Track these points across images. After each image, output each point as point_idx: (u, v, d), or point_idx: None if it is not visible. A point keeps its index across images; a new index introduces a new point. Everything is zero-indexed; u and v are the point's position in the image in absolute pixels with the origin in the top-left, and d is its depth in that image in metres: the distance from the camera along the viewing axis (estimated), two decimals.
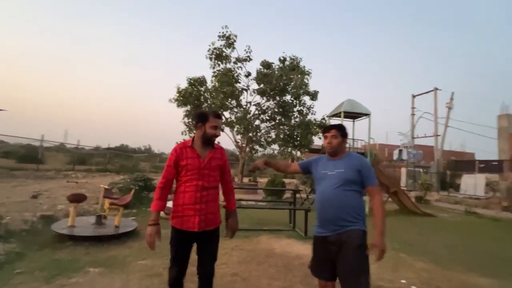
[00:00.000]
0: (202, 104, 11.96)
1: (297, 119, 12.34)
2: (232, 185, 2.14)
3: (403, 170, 19.39)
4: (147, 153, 30.75)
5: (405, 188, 16.56)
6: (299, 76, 12.03)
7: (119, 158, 22.83)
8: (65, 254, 3.38)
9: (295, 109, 12.33)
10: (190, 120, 12.00)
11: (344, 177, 1.78)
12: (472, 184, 14.01)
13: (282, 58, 12.22)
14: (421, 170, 18.98)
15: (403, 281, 3.12)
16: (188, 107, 12.21)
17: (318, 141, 13.63)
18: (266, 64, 11.89)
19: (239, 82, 11.95)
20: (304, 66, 12.41)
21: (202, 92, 12.07)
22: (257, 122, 12.38)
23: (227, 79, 11.20)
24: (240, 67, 11.96)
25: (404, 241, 5.05)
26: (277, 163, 2.21)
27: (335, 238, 1.74)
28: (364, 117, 9.38)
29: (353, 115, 9.52)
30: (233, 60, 11.94)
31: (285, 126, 12.08)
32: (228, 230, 2.06)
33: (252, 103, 12.39)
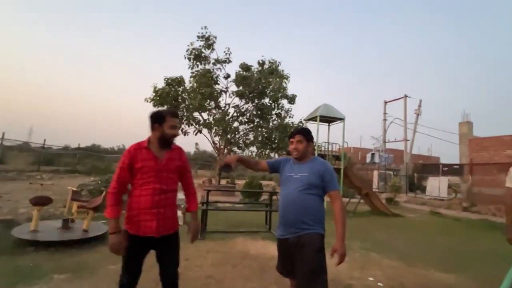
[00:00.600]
0: (179, 105, 11.76)
1: (275, 122, 12.50)
2: (193, 187, 2.06)
3: (375, 173, 20.28)
4: (120, 154, 29.52)
5: (376, 190, 17.32)
6: (277, 79, 12.21)
7: (90, 158, 21.73)
8: (27, 261, 3.17)
9: (273, 112, 12.50)
10: None
11: (307, 181, 1.84)
12: (437, 186, 14.98)
13: (261, 61, 12.36)
14: (391, 173, 19.96)
15: (371, 278, 3.28)
16: (165, 108, 11.94)
17: None
18: (245, 67, 11.97)
19: (218, 84, 11.92)
20: (282, 70, 12.63)
21: (180, 93, 11.87)
22: (235, 124, 12.39)
23: (205, 80, 11.12)
24: (219, 68, 11.93)
25: (374, 240, 5.29)
26: (249, 160, 2.21)
27: (295, 240, 1.80)
28: (339, 121, 9.74)
29: (329, 119, 9.84)
30: (212, 61, 11.89)
31: (263, 129, 12.20)
32: (190, 232, 1.99)
33: (231, 105, 12.40)
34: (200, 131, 11.99)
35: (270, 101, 12.30)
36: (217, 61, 11.89)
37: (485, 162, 12.87)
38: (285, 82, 12.51)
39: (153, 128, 1.82)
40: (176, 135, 1.85)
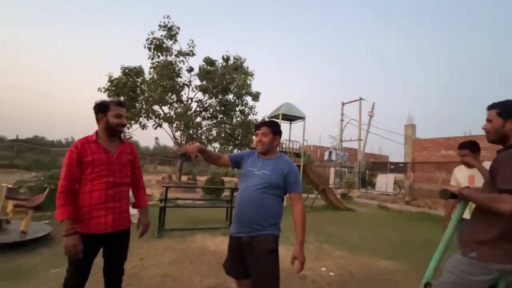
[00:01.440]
0: (138, 97, 11.13)
1: (238, 119, 12.52)
2: (143, 182, 2.03)
3: (332, 170, 21.50)
4: (68, 147, 26.95)
5: (332, 186, 18.39)
6: (242, 76, 12.22)
7: (32, 152, 19.47)
8: None
9: (237, 109, 12.49)
10: None
11: (269, 179, 1.74)
12: (384, 182, 16.43)
13: (225, 57, 12.23)
14: (346, 170, 21.36)
15: (323, 268, 3.50)
16: (122, 99, 11.20)
17: None
18: (209, 61, 11.74)
19: (181, 77, 11.52)
20: (247, 67, 12.67)
21: (138, 84, 11.22)
22: (198, 119, 12.14)
23: (167, 72, 10.67)
24: (182, 61, 11.54)
25: (328, 233, 5.64)
26: (210, 153, 2.01)
27: (247, 240, 1.73)
28: (300, 120, 10.11)
29: (290, 118, 10.17)
30: (174, 52, 11.44)
31: (226, 125, 12.14)
32: (139, 229, 1.94)
33: (194, 100, 12.10)
34: (160, 125, 11.50)
35: (234, 98, 12.27)
36: (180, 53, 11.48)
37: (424, 161, 14.45)
38: (250, 79, 12.58)
39: (98, 119, 1.76)
40: (122, 124, 1.79)
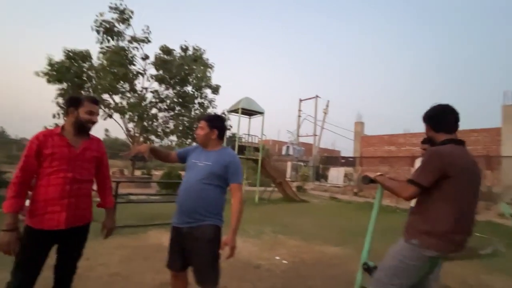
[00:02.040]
0: (84, 83, 10.16)
1: (197, 111, 12.22)
2: (110, 181, 1.95)
3: (289, 164, 22.34)
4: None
5: (289, 179, 19.14)
6: (201, 68, 11.91)
7: None
8: None
9: (195, 101, 12.18)
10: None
11: (210, 170, 1.78)
12: (336, 175, 17.63)
13: (184, 47, 11.77)
14: (302, 164, 22.38)
15: (277, 257, 3.66)
16: (65, 85, 10.10)
17: None
18: (166, 50, 11.18)
19: (134, 65, 10.80)
20: (207, 59, 12.38)
21: (85, 70, 10.22)
22: (154, 110, 11.54)
23: (118, 59, 9.90)
24: (136, 47, 10.80)
25: (283, 224, 5.89)
26: (161, 151, 2.03)
27: (187, 231, 1.74)
28: (259, 115, 10.26)
29: (250, 112, 10.25)
30: (127, 38, 10.64)
31: (184, 118, 11.76)
32: (104, 229, 1.87)
33: (149, 90, 11.45)
34: (110, 116, 10.66)
35: (193, 90, 11.93)
36: (134, 39, 10.73)
37: (371, 156, 15.85)
38: (210, 71, 12.33)
39: (67, 112, 1.68)
40: (92, 121, 1.72)
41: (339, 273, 3.25)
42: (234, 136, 11.16)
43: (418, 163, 3.21)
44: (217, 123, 1.93)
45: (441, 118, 1.64)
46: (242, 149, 9.72)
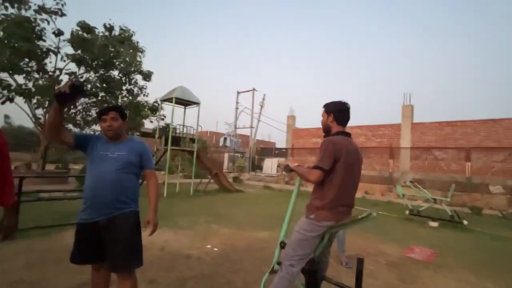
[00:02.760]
0: None
1: (125, 99, 11.20)
2: (11, 175, 1.69)
3: (226, 155, 22.52)
4: None
5: (226, 170, 19.34)
6: (130, 51, 10.89)
7: None
8: None
9: (123, 88, 11.12)
10: None
11: (126, 159, 1.81)
12: (270, 165, 18.61)
13: (108, 26, 10.53)
14: (239, 155, 22.82)
15: (208, 246, 3.75)
16: None
17: (149, 124, 13.07)
18: (86, 27, 9.81)
19: (44, 40, 9.16)
20: (137, 42, 11.37)
21: None
22: None
23: (21, 31, 8.26)
24: (46, 20, 9.17)
25: (217, 214, 6.00)
26: (62, 116, 1.69)
27: (107, 222, 1.73)
28: (195, 105, 10.01)
29: (185, 103, 9.91)
30: (33, 7, 8.95)
31: (110, 105, 10.63)
32: (2, 230, 1.64)
33: (64, 71, 9.92)
34: (10, 100, 8.87)
35: (120, 75, 10.84)
36: (42, 9, 9.07)
37: (301, 147, 17.21)
38: (140, 56, 11.38)
39: None
40: None
41: (266, 255, 3.53)
42: (168, 126, 10.65)
43: None
44: (125, 112, 1.95)
45: (343, 113, 1.98)
46: (176, 140, 9.38)
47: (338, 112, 1.97)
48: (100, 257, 1.78)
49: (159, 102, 10.95)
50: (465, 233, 5.53)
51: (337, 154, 1.79)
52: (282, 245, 2.06)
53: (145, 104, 11.61)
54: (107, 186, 1.74)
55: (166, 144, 9.01)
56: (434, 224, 6.00)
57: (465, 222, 5.87)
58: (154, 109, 11.74)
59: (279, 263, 2.02)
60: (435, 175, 12.29)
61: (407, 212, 6.75)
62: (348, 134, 1.95)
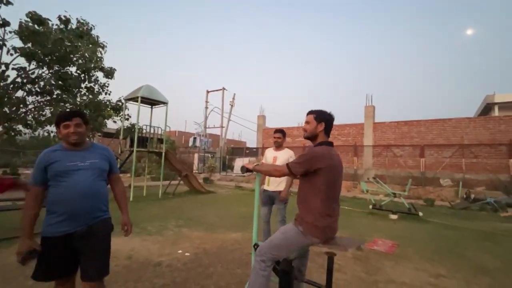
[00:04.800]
0: None
1: (85, 97, 10.43)
2: None
3: (196, 155, 22.05)
4: None
5: (196, 171, 18.95)
6: (90, 46, 10.15)
7: None
8: None
9: (82, 85, 10.33)
10: None
11: (99, 167, 1.81)
12: (241, 165, 18.59)
13: (64, 18, 9.69)
14: (209, 155, 22.49)
15: (180, 251, 3.64)
16: None
17: (112, 125, 12.35)
18: (37, 19, 8.91)
19: None
20: (98, 36, 10.62)
21: None
22: (20, 93, 9.13)
23: None
24: None
25: (188, 217, 5.85)
26: (35, 207, 1.71)
27: (84, 231, 1.70)
28: (162, 105, 9.65)
29: (152, 102, 9.51)
30: None
31: (67, 104, 9.82)
32: None
33: (11, 67, 8.93)
34: None
35: (79, 71, 10.05)
36: None
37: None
38: (101, 52, 10.65)
39: None
40: None
41: (239, 256, 3.52)
42: (134, 126, 10.13)
43: (269, 153, 3.96)
44: (87, 117, 1.89)
45: (331, 124, 2.04)
46: (143, 141, 8.96)
47: (328, 122, 2.00)
48: (68, 271, 1.73)
49: (123, 101, 10.37)
50: (421, 224, 6.04)
51: (318, 166, 1.82)
52: (256, 247, 2.08)
53: (108, 103, 10.91)
54: (87, 195, 1.71)
55: (131, 145, 8.55)
56: (394, 216, 6.46)
57: (420, 213, 6.41)
58: (117, 109, 11.09)
59: None
60: (394, 171, 13.24)
61: (370, 206, 7.19)
62: (331, 144, 1.99)
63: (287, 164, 1.89)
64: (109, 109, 10.82)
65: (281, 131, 3.90)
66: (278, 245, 1.88)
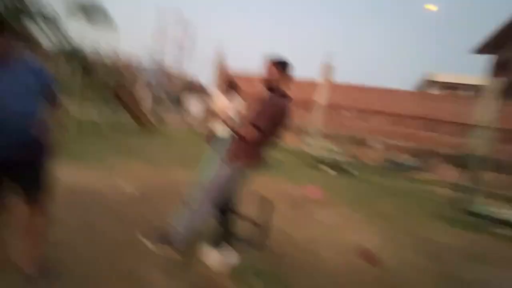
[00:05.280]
0: None
1: None
2: None
3: (147, 93, 20.40)
4: None
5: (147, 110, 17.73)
6: None
7: None
8: None
9: None
10: None
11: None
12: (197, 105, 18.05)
13: None
14: (164, 94, 20.99)
15: (123, 186, 3.66)
16: None
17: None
18: None
19: None
20: None
21: None
22: None
23: None
24: None
25: (133, 153, 5.69)
26: None
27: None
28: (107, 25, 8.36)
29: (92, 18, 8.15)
30: None
31: None
32: None
33: None
34: None
35: None
36: None
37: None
38: None
39: None
40: None
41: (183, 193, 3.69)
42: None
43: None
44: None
45: (290, 76, 2.05)
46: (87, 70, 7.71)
47: (289, 73, 2.00)
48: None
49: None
50: (351, 178, 6.95)
51: (276, 116, 1.91)
52: (200, 187, 2.20)
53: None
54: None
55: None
56: (333, 172, 7.27)
57: (356, 173, 7.33)
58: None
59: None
60: (340, 130, 14.42)
61: (314, 161, 7.93)
62: (286, 96, 2.05)
63: (253, 124, 1.88)
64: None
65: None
66: (217, 184, 2.05)
